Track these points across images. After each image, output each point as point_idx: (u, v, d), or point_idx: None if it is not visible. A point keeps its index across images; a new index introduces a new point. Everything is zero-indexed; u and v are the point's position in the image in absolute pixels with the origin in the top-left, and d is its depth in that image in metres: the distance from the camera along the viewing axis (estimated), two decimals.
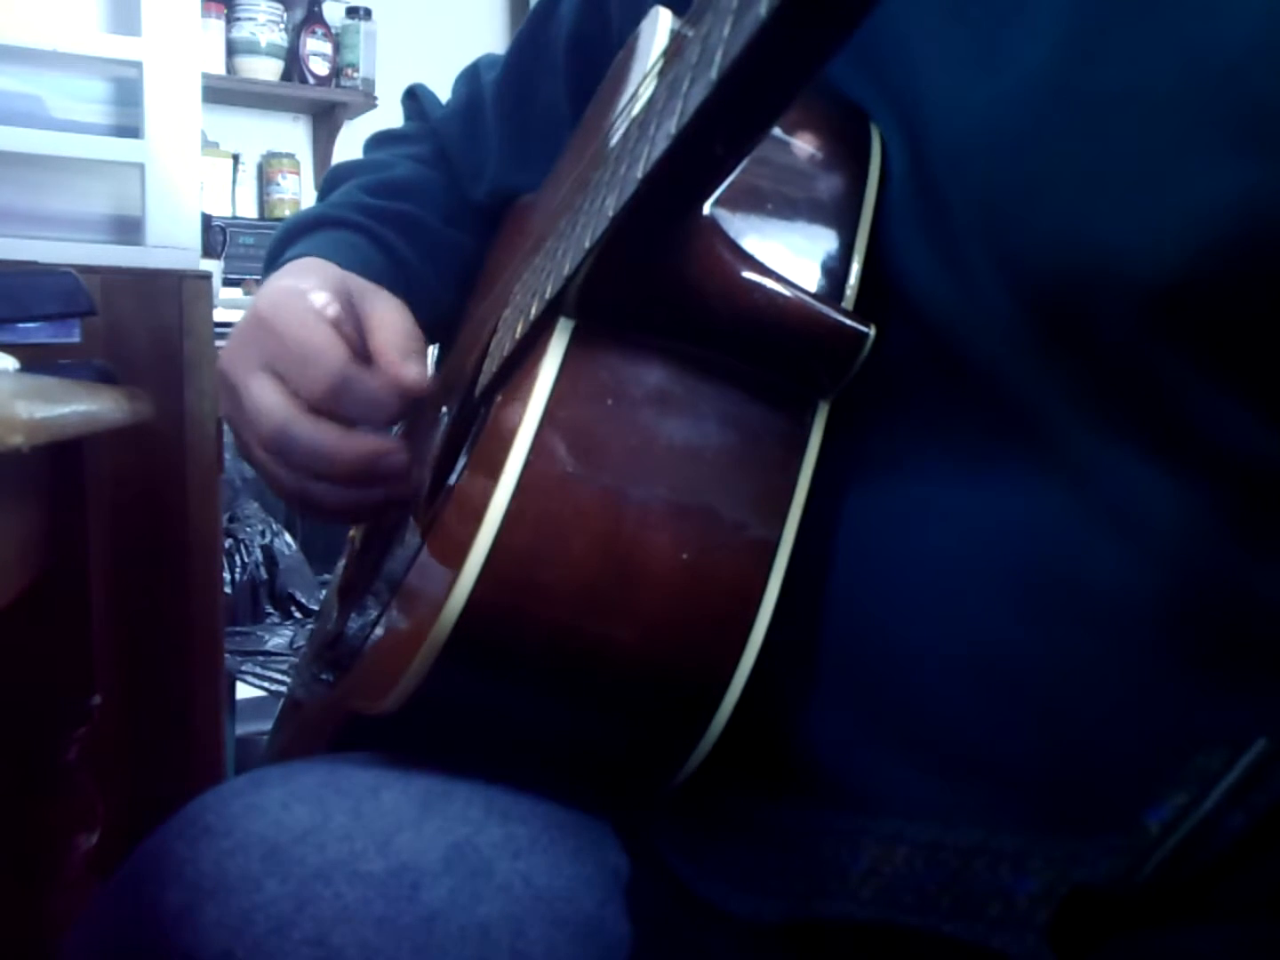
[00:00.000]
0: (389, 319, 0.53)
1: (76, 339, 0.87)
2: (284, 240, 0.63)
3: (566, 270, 0.37)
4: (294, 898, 0.34)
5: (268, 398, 0.49)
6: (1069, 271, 0.34)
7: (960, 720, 0.36)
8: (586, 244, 0.35)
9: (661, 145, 0.30)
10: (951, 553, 0.37)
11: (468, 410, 0.52)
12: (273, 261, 0.63)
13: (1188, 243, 0.32)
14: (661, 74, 0.34)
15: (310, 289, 0.53)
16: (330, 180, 0.70)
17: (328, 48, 2.69)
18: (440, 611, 0.35)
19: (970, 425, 0.37)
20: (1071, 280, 0.34)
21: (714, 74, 0.27)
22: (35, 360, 0.68)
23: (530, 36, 0.64)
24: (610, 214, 0.34)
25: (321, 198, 0.70)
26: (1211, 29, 0.31)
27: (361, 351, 0.51)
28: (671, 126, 0.30)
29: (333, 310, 0.52)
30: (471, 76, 0.69)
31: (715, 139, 0.30)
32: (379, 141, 0.74)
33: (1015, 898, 0.31)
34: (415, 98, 0.74)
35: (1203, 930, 0.30)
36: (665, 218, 0.35)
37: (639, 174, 0.32)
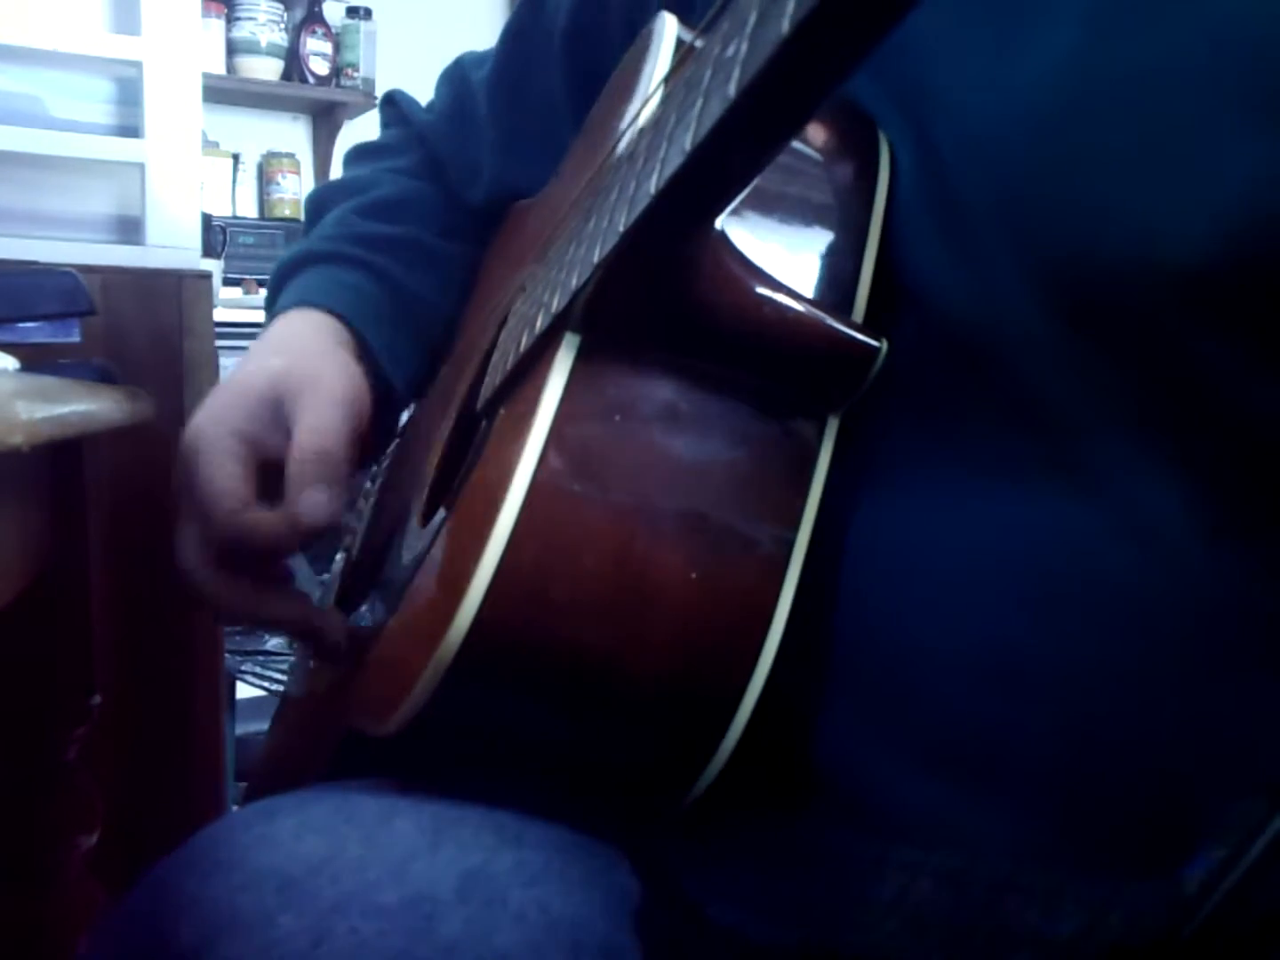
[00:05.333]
0: (308, 439, 0.50)
1: (76, 339, 0.87)
2: (279, 281, 0.62)
3: (574, 284, 0.36)
4: (310, 932, 0.33)
5: (183, 541, 0.51)
6: (1096, 256, 0.33)
7: (976, 728, 0.36)
8: (595, 259, 0.35)
9: (676, 161, 0.30)
10: (964, 559, 0.36)
11: (467, 423, 0.51)
12: (272, 303, 0.62)
13: (1221, 221, 0.31)
14: (671, 86, 0.34)
15: (238, 408, 0.52)
16: (315, 206, 0.69)
17: (328, 47, 2.69)
18: (445, 632, 0.35)
19: (984, 427, 0.37)
20: (1098, 265, 0.33)
21: (732, 90, 0.27)
22: (35, 360, 0.68)
23: (519, 29, 0.62)
24: (620, 229, 0.33)
25: (309, 225, 0.68)
26: (1238, 2, 0.31)
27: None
28: (686, 142, 0.29)
29: (249, 444, 0.51)
30: (456, 76, 0.68)
31: (731, 154, 0.30)
32: (359, 155, 0.72)
33: (1049, 941, 0.30)
34: (394, 103, 0.72)
35: None
36: (677, 233, 0.35)
37: (652, 189, 0.31)
